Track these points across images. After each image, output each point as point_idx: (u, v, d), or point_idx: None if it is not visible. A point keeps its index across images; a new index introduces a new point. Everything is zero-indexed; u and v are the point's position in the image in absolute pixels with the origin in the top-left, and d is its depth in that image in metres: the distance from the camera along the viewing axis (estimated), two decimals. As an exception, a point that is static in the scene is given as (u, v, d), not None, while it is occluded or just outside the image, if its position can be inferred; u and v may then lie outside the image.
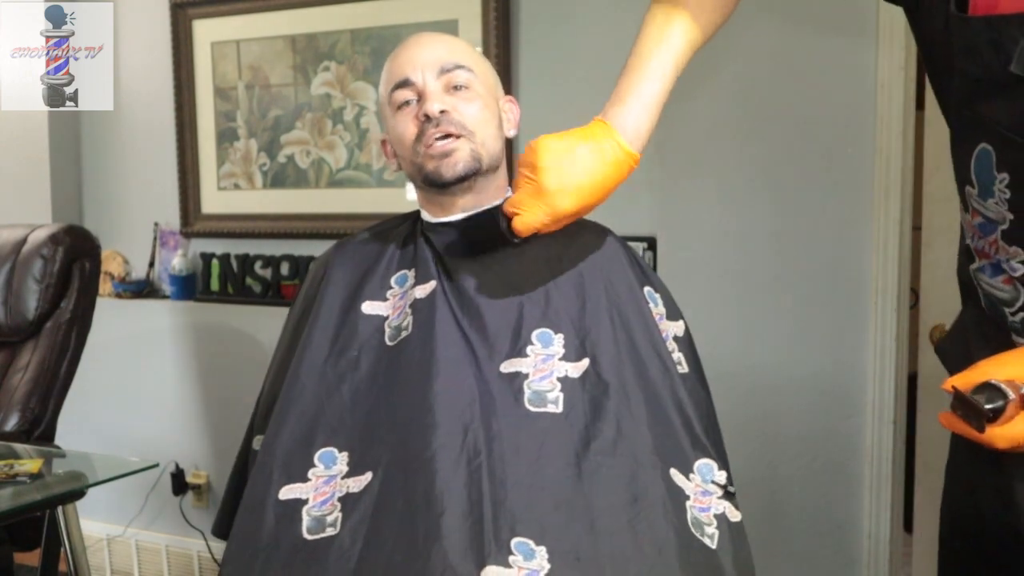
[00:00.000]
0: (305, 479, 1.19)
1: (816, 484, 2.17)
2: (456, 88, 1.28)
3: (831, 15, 2.09)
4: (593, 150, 1.13)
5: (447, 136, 1.26)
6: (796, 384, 2.16)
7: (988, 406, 0.84)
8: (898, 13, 2.11)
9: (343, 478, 1.18)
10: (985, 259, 0.96)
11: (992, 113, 0.86)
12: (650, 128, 1.16)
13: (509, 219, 1.18)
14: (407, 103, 1.28)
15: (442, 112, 1.25)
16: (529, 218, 1.15)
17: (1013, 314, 0.94)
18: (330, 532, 1.14)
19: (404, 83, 1.28)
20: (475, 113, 1.28)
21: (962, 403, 0.86)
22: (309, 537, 1.14)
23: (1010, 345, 0.93)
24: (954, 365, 1.02)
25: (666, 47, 1.17)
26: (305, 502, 1.17)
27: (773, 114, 2.15)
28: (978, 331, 1.01)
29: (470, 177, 1.27)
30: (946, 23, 0.89)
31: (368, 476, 1.17)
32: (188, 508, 2.93)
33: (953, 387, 0.87)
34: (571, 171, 1.12)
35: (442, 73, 1.27)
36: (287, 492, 1.18)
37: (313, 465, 1.20)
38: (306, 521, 1.16)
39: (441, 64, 1.28)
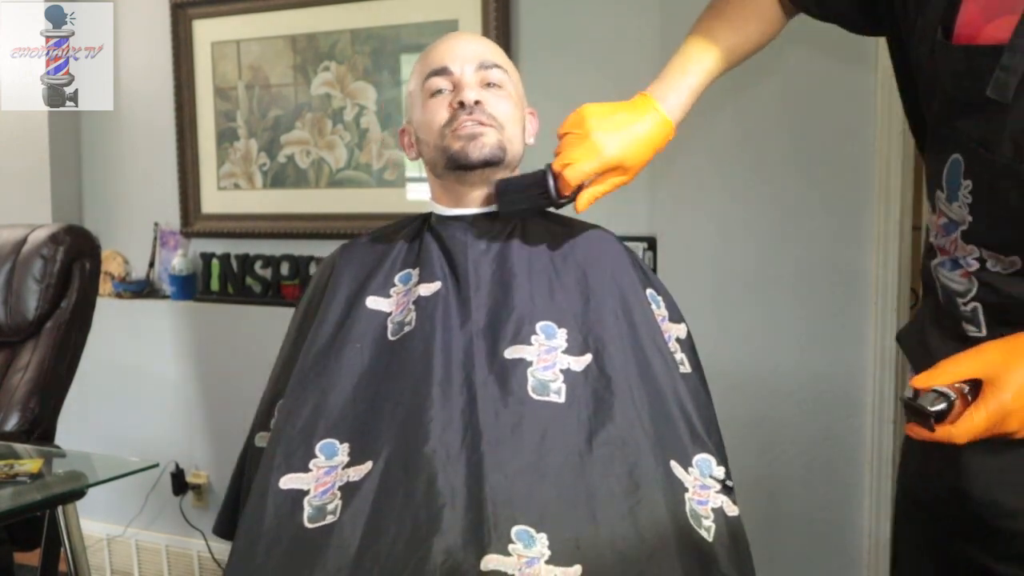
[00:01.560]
0: (306, 469, 1.19)
1: (816, 484, 2.17)
2: (490, 85, 1.32)
3: (831, 15, 2.09)
4: (632, 110, 1.25)
5: (478, 123, 1.29)
6: (796, 384, 2.16)
7: (932, 408, 0.94)
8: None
9: (344, 468, 1.19)
10: (945, 255, 1.08)
11: (966, 128, 1.00)
12: (685, 104, 1.31)
13: (557, 177, 1.24)
14: (441, 91, 1.31)
15: (476, 102, 1.29)
16: (579, 164, 1.21)
17: (965, 304, 1.06)
18: (330, 519, 1.14)
19: (442, 71, 1.31)
20: (506, 110, 1.32)
21: (910, 410, 0.96)
22: (310, 526, 1.15)
23: (961, 333, 1.06)
24: (911, 352, 1.19)
25: (707, 44, 1.34)
26: (306, 493, 1.18)
27: (773, 114, 2.15)
28: (933, 321, 1.13)
29: (492, 164, 1.30)
30: (932, 49, 1.03)
31: (368, 465, 1.17)
32: (188, 508, 2.93)
33: (902, 398, 0.99)
34: (612, 122, 1.23)
35: (480, 68, 1.32)
36: (288, 481, 1.19)
37: (314, 456, 1.20)
38: (307, 511, 1.16)
39: (480, 60, 1.32)
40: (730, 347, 2.17)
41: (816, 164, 2.12)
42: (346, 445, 1.20)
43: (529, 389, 1.19)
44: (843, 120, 2.10)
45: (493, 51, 1.36)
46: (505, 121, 1.31)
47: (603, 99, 1.34)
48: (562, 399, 1.19)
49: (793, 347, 2.16)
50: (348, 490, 1.16)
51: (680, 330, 1.37)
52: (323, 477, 1.18)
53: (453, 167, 1.30)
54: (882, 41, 2.03)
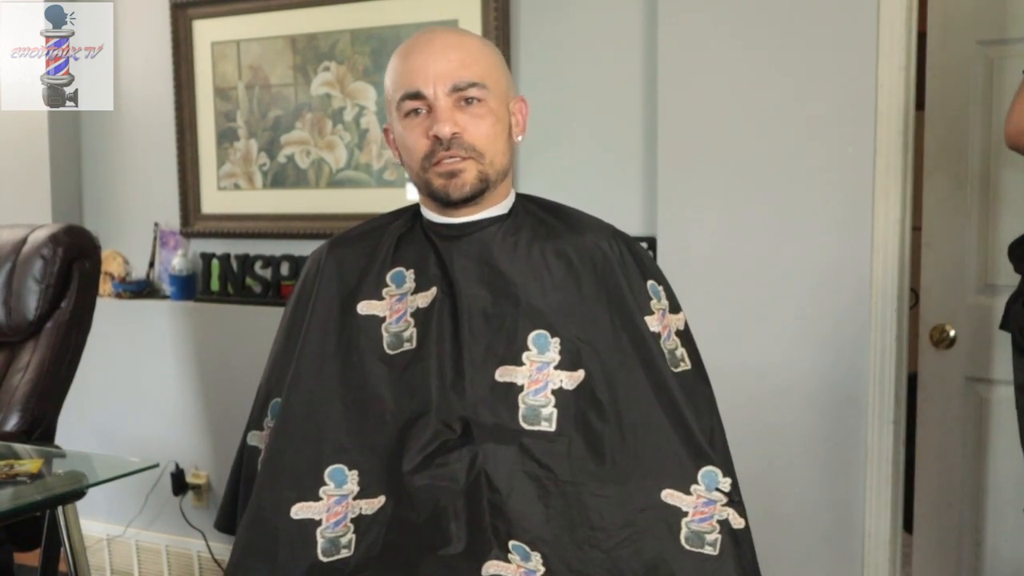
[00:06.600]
0: (317, 497, 1.21)
1: (816, 484, 2.17)
2: (468, 101, 1.25)
3: (832, 15, 2.09)
4: None
5: (457, 159, 1.25)
6: (796, 384, 2.16)
7: None
8: (898, 13, 2.11)
9: (355, 498, 1.21)
10: None
11: None
12: None
13: None
14: (416, 112, 1.26)
15: (454, 135, 1.23)
16: None
17: None
18: (344, 554, 1.18)
19: (415, 95, 1.25)
20: (486, 132, 1.26)
21: None
22: (324, 559, 1.18)
23: None
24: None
25: None
26: (319, 523, 1.20)
27: (773, 114, 2.15)
28: None
29: (476, 196, 1.27)
30: None
31: (381, 500, 1.20)
32: (188, 508, 2.93)
33: None
34: None
35: (455, 90, 1.24)
36: (300, 511, 1.21)
37: (324, 483, 1.22)
38: (321, 543, 1.19)
39: (454, 81, 1.24)
40: (730, 347, 2.17)
41: (816, 164, 2.12)
42: (355, 472, 1.22)
43: (520, 418, 1.21)
44: (843, 119, 2.09)
45: (467, 62, 1.26)
46: (485, 147, 1.25)
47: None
48: (552, 427, 1.21)
49: (793, 347, 2.16)
50: (361, 523, 1.19)
51: (679, 321, 1.35)
52: (334, 507, 1.21)
53: (436, 199, 1.28)
54: (884, 39, 2.04)
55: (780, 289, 2.16)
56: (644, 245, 2.29)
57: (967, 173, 2.09)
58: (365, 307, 1.30)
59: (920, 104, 2.12)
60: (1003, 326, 1.80)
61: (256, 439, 1.36)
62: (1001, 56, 2.03)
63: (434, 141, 1.24)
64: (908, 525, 2.24)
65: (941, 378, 2.15)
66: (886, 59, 2.04)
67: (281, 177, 2.84)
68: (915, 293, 2.25)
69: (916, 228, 2.16)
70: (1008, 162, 2.03)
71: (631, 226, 2.29)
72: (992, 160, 2.06)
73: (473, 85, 1.25)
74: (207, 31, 2.89)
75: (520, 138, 1.35)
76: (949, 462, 2.16)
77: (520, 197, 1.37)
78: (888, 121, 2.05)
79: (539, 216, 1.34)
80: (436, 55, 1.26)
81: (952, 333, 2.11)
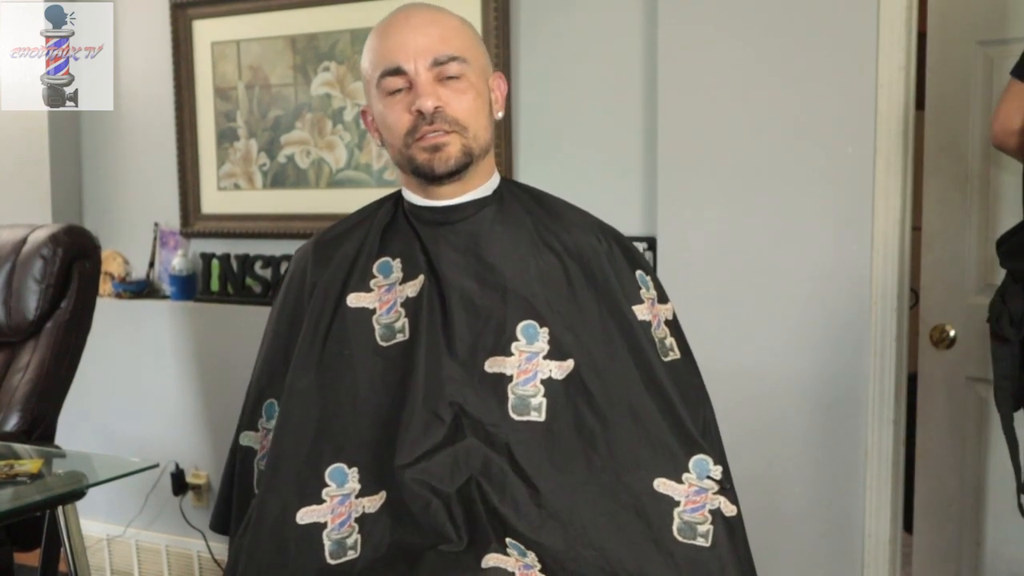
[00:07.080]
0: (320, 500, 1.21)
1: (816, 484, 2.17)
2: (449, 77, 1.24)
3: (832, 15, 2.09)
4: None
5: (441, 133, 1.24)
6: (796, 384, 2.16)
7: None
8: (898, 13, 2.11)
9: (357, 496, 1.21)
10: None
11: None
12: None
13: None
14: (398, 90, 1.25)
15: (436, 108, 1.23)
16: None
17: None
18: (351, 555, 1.18)
19: (396, 71, 1.24)
20: (468, 106, 1.25)
21: None
22: (332, 562, 1.18)
23: None
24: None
25: None
26: (324, 526, 1.20)
27: (773, 114, 2.15)
28: None
29: (461, 170, 1.26)
30: None
31: (382, 496, 1.20)
32: (188, 508, 2.93)
33: None
34: None
35: (435, 65, 1.24)
36: (305, 515, 1.21)
37: (325, 484, 1.21)
38: (328, 546, 1.19)
39: (434, 55, 1.23)
40: (730, 347, 2.17)
41: (816, 164, 2.12)
42: (355, 470, 1.22)
43: (510, 408, 1.20)
44: (843, 120, 2.09)
45: (446, 37, 1.26)
46: (468, 120, 1.25)
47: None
48: (542, 417, 1.20)
49: (793, 347, 2.16)
50: (365, 523, 1.19)
51: (668, 311, 1.34)
52: (338, 507, 1.20)
53: (420, 176, 1.27)
54: (884, 39, 2.04)
55: (780, 289, 2.16)
56: (644, 245, 2.29)
57: (967, 173, 2.09)
58: (354, 300, 1.28)
59: (920, 104, 2.12)
60: (989, 320, 1.83)
61: (249, 439, 1.35)
62: (1001, 56, 2.03)
63: (417, 116, 1.23)
64: (908, 525, 2.24)
65: (941, 378, 2.15)
66: (886, 59, 2.04)
67: (281, 177, 2.84)
68: (915, 293, 2.25)
69: (916, 228, 2.16)
70: (1008, 162, 2.03)
71: (631, 226, 2.29)
72: (992, 160, 2.06)
73: (453, 59, 1.24)
74: (207, 31, 2.89)
75: (500, 114, 1.35)
76: (949, 462, 2.16)
77: (505, 182, 1.36)
78: (888, 121, 2.05)
79: (526, 205, 1.33)
80: (414, 31, 1.25)
81: (952, 333, 2.11)
